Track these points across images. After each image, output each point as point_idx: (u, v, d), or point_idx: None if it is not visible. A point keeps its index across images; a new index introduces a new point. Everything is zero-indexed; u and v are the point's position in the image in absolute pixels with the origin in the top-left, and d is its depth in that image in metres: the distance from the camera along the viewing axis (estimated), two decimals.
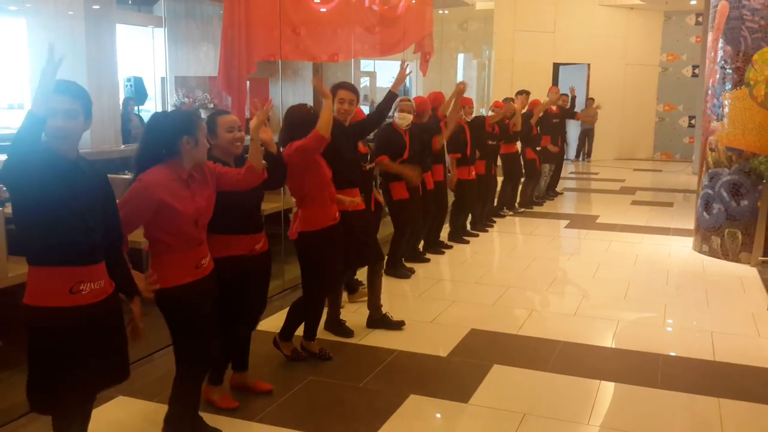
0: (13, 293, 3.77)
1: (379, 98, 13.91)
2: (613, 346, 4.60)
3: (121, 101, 8.13)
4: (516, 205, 9.51)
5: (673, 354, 4.45)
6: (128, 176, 5.20)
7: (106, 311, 2.56)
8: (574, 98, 10.79)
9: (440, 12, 12.93)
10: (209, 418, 3.37)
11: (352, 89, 4.45)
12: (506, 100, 8.72)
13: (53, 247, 2.39)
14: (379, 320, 4.83)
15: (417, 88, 14.48)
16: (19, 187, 2.35)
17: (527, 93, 9.09)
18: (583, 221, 9.03)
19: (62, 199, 2.36)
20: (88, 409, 2.72)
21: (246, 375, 3.77)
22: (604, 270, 6.52)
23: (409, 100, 5.98)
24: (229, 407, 3.57)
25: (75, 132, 2.47)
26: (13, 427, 3.35)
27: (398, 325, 4.81)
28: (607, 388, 3.90)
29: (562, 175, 11.39)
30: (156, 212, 2.82)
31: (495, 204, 9.01)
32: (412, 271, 6.25)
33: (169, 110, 4.95)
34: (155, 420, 3.25)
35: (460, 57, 15.57)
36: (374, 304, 4.86)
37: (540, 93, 10.27)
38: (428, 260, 6.70)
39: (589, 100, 16.52)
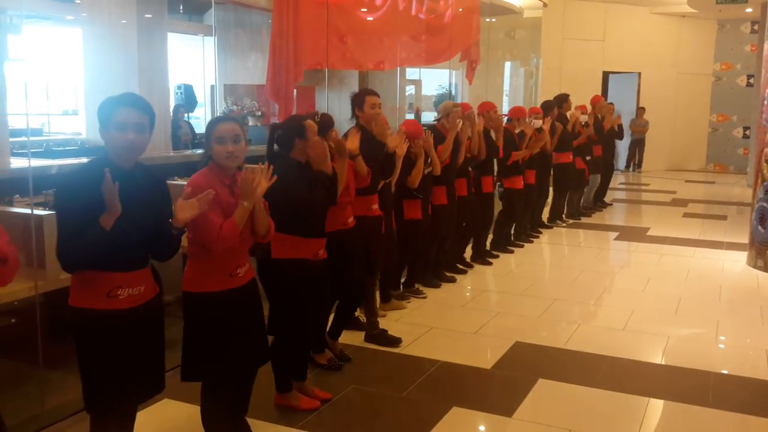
0: (63, 295, 3.84)
1: (424, 106, 13.89)
2: (663, 362, 4.48)
3: (171, 108, 8.29)
4: (563, 216, 9.36)
5: (725, 372, 4.31)
6: (178, 182, 5.31)
7: (144, 317, 2.57)
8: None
9: (487, 20, 12.84)
10: (251, 423, 3.36)
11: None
12: (545, 104, 8.47)
13: (94, 256, 2.38)
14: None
15: (463, 96, 14.41)
16: (70, 197, 2.37)
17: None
18: (633, 233, 8.84)
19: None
20: (132, 414, 2.69)
21: (304, 383, 3.77)
22: (654, 284, 6.36)
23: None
24: (312, 408, 3.63)
25: (143, 145, 2.46)
26: (61, 426, 3.43)
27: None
28: (656, 406, 3.80)
29: (611, 185, 11.18)
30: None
31: (548, 215, 8.99)
32: (452, 280, 6.19)
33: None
34: (198, 422, 3.28)
35: (507, 65, 15.43)
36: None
37: (588, 102, 10.08)
38: (466, 271, 6.57)
39: (640, 110, 16.23)
